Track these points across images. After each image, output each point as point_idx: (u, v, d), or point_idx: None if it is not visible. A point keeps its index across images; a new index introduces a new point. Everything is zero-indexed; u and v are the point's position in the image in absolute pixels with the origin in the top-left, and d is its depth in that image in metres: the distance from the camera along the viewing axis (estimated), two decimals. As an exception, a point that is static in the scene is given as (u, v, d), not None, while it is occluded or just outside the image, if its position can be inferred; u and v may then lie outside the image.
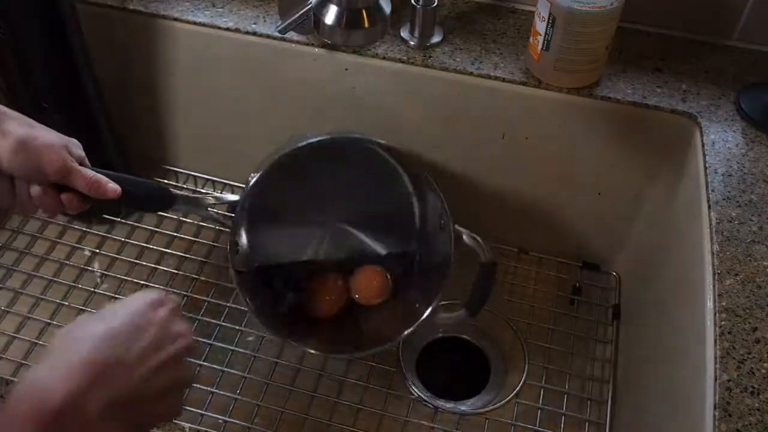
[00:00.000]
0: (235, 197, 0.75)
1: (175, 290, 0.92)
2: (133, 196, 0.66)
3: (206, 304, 0.89)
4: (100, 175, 0.64)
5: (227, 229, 0.77)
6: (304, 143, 0.76)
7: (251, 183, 0.74)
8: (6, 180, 0.62)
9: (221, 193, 0.75)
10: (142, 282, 0.92)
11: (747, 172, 0.73)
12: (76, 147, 0.64)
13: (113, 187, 0.63)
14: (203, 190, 0.72)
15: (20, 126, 0.61)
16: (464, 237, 0.77)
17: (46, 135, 0.62)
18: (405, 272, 0.86)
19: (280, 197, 0.81)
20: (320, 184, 0.83)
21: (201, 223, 0.98)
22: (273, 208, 0.82)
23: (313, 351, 0.79)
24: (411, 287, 0.85)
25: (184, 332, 0.49)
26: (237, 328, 0.87)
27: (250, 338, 0.87)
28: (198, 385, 0.81)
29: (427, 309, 0.78)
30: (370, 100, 0.89)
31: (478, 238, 0.77)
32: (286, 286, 0.84)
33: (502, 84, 0.83)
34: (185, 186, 1.03)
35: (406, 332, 0.78)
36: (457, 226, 0.77)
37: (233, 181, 1.02)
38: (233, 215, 0.75)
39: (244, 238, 0.82)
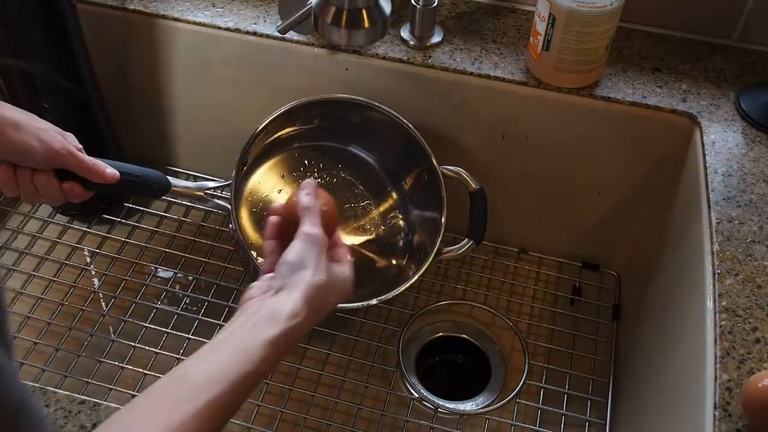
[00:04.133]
0: (217, 183, 0.78)
1: (175, 290, 0.92)
2: (130, 181, 0.68)
3: (206, 303, 0.89)
4: (97, 160, 0.65)
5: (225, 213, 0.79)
6: (278, 112, 0.80)
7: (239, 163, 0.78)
8: (9, 168, 0.63)
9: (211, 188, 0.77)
10: (142, 282, 0.92)
11: (747, 172, 0.73)
12: (72, 138, 0.65)
13: (111, 171, 0.66)
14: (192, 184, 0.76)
15: (15, 111, 0.62)
16: (448, 171, 0.81)
17: (41, 120, 0.63)
18: (403, 241, 0.89)
19: (271, 177, 0.85)
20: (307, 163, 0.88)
21: (201, 223, 0.98)
22: (265, 189, 0.86)
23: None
24: (412, 245, 0.88)
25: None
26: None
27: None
28: (198, 385, 0.81)
29: (434, 247, 0.80)
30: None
31: (461, 171, 0.81)
32: None
33: (502, 84, 0.83)
34: (185, 186, 1.04)
35: (421, 270, 0.78)
36: (439, 168, 0.81)
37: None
38: (228, 197, 0.77)
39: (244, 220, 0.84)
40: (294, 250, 0.57)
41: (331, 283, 0.57)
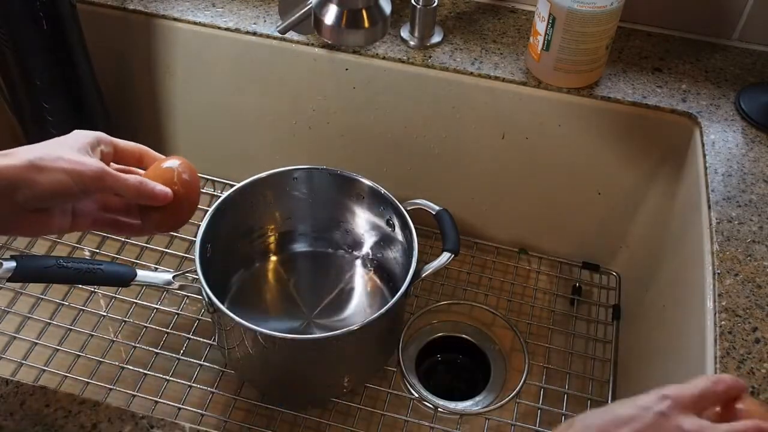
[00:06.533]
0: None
1: (175, 290, 0.92)
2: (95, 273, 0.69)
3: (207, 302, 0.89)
4: (144, 179, 0.59)
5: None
6: (242, 183, 0.82)
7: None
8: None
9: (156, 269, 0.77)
10: (142, 282, 0.92)
11: (747, 172, 0.73)
12: (101, 139, 0.60)
13: (162, 190, 0.58)
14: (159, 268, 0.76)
15: (33, 150, 0.54)
16: (409, 206, 0.81)
17: (63, 144, 0.56)
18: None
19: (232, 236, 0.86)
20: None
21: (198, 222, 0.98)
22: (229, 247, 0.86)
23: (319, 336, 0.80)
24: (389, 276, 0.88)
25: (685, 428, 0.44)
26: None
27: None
28: (198, 385, 0.81)
29: (410, 269, 0.77)
30: (370, 100, 0.89)
31: (419, 200, 0.82)
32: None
33: (502, 84, 0.83)
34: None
35: (401, 292, 0.75)
36: (400, 205, 0.81)
37: (233, 181, 1.02)
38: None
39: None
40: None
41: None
